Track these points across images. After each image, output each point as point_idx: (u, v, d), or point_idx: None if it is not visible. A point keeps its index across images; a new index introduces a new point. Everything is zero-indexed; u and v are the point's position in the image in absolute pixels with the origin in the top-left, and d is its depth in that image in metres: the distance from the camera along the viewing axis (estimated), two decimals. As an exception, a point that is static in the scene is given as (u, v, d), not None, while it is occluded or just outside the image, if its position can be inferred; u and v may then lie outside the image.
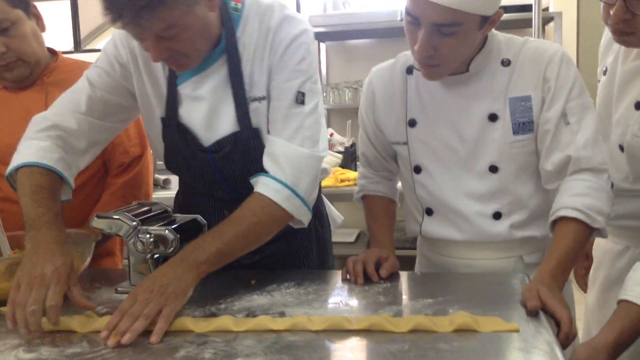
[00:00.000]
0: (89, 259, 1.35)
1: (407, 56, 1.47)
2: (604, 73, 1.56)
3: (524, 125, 1.33)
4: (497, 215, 1.39)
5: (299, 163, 1.27)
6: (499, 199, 1.38)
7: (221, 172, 1.38)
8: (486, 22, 1.25)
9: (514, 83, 1.33)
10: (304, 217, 1.30)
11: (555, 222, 1.28)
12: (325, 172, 1.55)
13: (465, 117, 1.36)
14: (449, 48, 1.24)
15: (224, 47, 1.30)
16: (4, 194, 1.58)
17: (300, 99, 1.28)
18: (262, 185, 1.25)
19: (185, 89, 1.33)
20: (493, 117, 1.35)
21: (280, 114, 1.30)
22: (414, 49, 1.26)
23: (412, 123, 1.42)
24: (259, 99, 1.31)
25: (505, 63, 1.34)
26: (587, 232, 1.26)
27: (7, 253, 1.34)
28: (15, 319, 1.06)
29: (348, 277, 1.35)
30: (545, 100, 1.32)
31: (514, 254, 1.41)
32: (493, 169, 1.36)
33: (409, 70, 1.44)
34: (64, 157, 1.32)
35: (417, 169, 1.45)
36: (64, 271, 1.11)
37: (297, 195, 1.26)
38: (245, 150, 1.34)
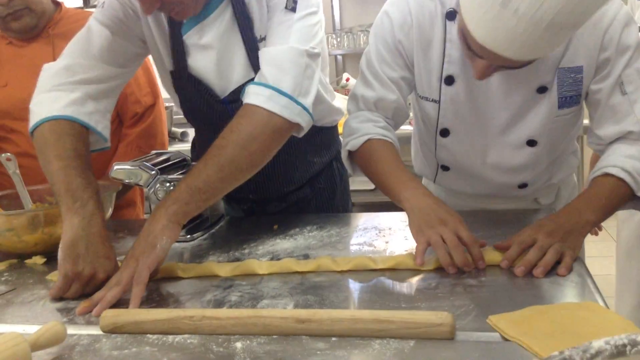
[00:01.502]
0: (110, 210, 1.35)
1: None
2: None
3: (570, 99, 1.19)
4: (523, 186, 1.31)
5: (277, 60, 1.14)
6: (529, 171, 1.29)
7: None
8: None
9: (569, 52, 1.15)
10: (299, 116, 1.14)
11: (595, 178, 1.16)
12: (339, 113, 1.50)
13: (512, 85, 1.19)
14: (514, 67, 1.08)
15: None
16: (21, 149, 1.58)
17: (290, 5, 1.17)
18: (246, 96, 1.14)
19: (190, 38, 1.26)
20: (542, 90, 1.18)
21: (271, 26, 1.19)
22: (471, 64, 1.08)
23: (449, 80, 1.21)
24: (264, 39, 1.23)
25: None
26: (628, 196, 1.12)
27: (29, 206, 1.34)
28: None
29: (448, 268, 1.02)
30: (599, 71, 1.16)
31: (530, 199, 1.38)
32: (531, 142, 1.23)
33: (450, 15, 1.17)
34: (97, 107, 1.25)
35: (445, 132, 1.28)
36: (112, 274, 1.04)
37: (282, 92, 1.12)
38: None
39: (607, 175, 1.12)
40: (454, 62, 1.20)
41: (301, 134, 1.20)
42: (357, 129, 1.25)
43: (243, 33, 1.24)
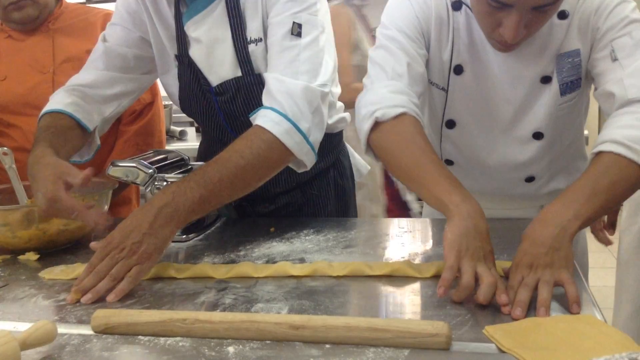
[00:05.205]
0: (106, 208, 1.34)
1: None
2: None
3: (571, 84, 1.17)
4: (530, 179, 1.30)
5: (294, 97, 1.15)
6: (536, 165, 1.27)
7: (225, 114, 1.33)
8: None
9: (566, 38, 1.14)
10: (306, 156, 1.18)
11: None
12: (344, 122, 1.49)
13: (515, 76, 1.18)
14: (542, 22, 1.07)
15: None
16: (18, 144, 1.57)
17: (296, 30, 1.17)
18: (261, 118, 1.15)
19: (188, 29, 1.29)
20: (546, 80, 1.17)
21: (274, 48, 1.20)
22: (499, 31, 1.06)
23: (458, 70, 1.21)
24: (255, 41, 1.24)
25: (562, 16, 1.13)
26: (631, 169, 0.96)
27: (25, 201, 1.33)
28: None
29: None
30: (593, 45, 1.13)
31: (535, 204, 1.36)
32: (537, 135, 1.22)
33: (456, 5, 1.18)
34: (79, 102, 1.33)
35: (450, 124, 1.27)
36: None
37: (299, 130, 1.14)
38: (248, 95, 1.28)
39: (599, 154, 1.00)
40: (463, 50, 1.20)
41: (301, 170, 1.24)
42: (389, 97, 1.12)
43: (233, 31, 1.25)
